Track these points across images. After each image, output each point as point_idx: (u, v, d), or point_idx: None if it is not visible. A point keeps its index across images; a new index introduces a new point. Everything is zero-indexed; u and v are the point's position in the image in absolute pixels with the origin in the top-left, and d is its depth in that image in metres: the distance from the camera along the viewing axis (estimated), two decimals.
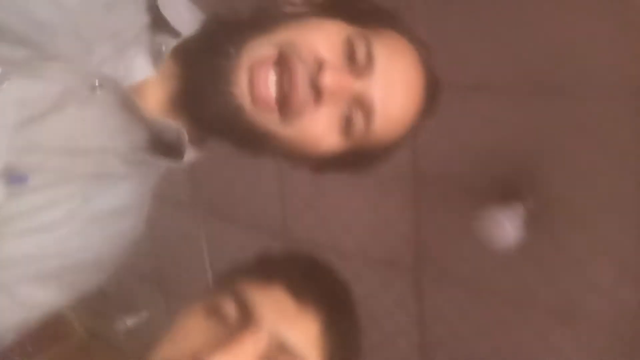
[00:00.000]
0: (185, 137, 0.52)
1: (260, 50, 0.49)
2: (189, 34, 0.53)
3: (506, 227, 0.88)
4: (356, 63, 0.52)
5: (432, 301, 1.23)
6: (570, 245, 0.97)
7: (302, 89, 0.48)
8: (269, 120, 0.50)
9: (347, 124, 0.53)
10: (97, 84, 0.48)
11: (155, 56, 0.52)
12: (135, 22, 0.53)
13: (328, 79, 0.48)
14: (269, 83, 0.48)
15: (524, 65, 0.93)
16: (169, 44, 0.52)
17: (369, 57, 0.52)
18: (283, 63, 0.48)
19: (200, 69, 0.50)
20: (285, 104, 0.49)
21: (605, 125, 0.87)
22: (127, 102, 0.49)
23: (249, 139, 0.52)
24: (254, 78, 0.48)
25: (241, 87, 0.48)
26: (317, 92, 0.49)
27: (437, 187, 1.12)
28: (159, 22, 0.53)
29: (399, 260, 1.27)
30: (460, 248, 1.12)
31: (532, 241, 0.99)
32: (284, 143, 0.52)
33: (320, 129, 0.52)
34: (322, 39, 0.51)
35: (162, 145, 0.54)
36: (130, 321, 2.34)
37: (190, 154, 0.54)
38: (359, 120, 0.53)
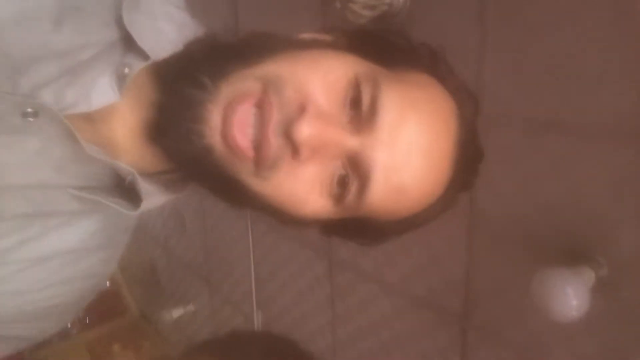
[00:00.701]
0: (138, 181, 0.45)
1: (241, 84, 0.40)
2: (166, 56, 0.46)
3: (569, 296, 0.74)
4: (358, 112, 0.41)
5: (476, 357, 1.10)
6: None
7: (273, 139, 0.39)
8: (242, 169, 0.41)
9: (339, 187, 0.43)
10: (29, 111, 0.40)
11: (120, 80, 0.44)
12: (95, 40, 0.46)
13: (305, 131, 0.38)
14: (246, 125, 0.39)
15: (613, 106, 0.78)
16: (134, 66, 0.44)
17: (373, 106, 0.41)
18: (260, 104, 0.39)
19: (171, 98, 0.42)
20: (257, 154, 0.40)
21: None
22: (67, 133, 0.42)
23: (222, 186, 0.44)
24: (227, 117, 0.39)
25: (212, 126, 0.40)
26: (293, 147, 0.39)
27: (494, 231, 0.99)
28: (129, 38, 0.46)
29: (446, 305, 1.15)
30: (513, 305, 0.98)
31: (601, 314, 0.84)
32: (259, 198, 0.43)
33: (300, 188, 0.42)
34: (319, 78, 0.41)
35: (121, 185, 0.47)
36: (176, 313, 2.39)
37: (156, 198, 0.47)
38: (353, 184, 0.42)
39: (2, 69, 0.41)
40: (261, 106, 0.39)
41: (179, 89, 0.41)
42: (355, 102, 0.42)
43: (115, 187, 0.47)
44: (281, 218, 0.47)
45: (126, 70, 0.44)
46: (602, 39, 0.77)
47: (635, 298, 0.81)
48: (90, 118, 0.44)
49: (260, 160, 0.40)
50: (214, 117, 0.40)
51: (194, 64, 0.43)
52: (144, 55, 0.45)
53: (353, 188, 0.43)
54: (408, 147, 0.42)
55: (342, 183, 0.43)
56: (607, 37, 0.77)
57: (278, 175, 0.41)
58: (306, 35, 0.48)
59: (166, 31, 0.48)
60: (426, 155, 0.43)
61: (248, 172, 0.41)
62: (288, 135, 0.39)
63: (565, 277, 0.74)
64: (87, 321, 3.20)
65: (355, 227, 0.48)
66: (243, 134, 0.40)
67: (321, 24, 1.17)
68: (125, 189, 0.47)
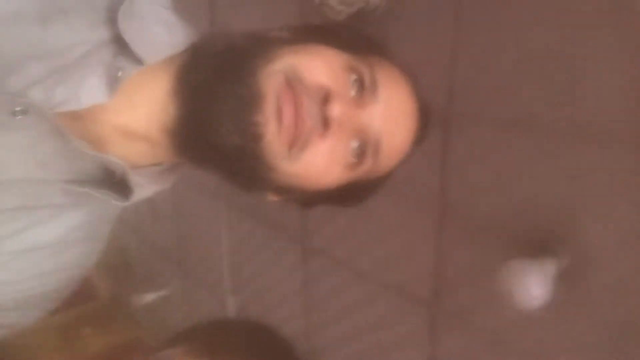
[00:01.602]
0: (129, 174, 0.47)
1: (273, 79, 0.45)
2: (159, 59, 0.47)
3: (532, 285, 0.78)
4: (361, 92, 0.48)
5: (445, 343, 1.15)
6: (603, 312, 0.86)
7: (309, 118, 0.45)
8: (279, 154, 0.46)
9: (354, 158, 0.49)
10: (17, 109, 0.42)
11: (111, 82, 0.45)
12: (83, 39, 0.47)
13: (337, 110, 0.45)
14: (293, 112, 0.45)
15: (574, 107, 0.82)
16: (127, 70, 0.46)
17: (374, 86, 0.49)
18: (290, 91, 0.45)
19: (214, 96, 0.45)
20: (293, 135, 0.45)
21: None
22: (56, 130, 0.43)
23: (250, 171, 0.48)
24: (283, 108, 0.44)
25: (266, 115, 0.44)
26: (325, 123, 0.46)
27: (463, 222, 1.03)
28: (122, 41, 0.47)
29: (415, 292, 1.19)
30: (481, 293, 1.03)
31: (561, 302, 0.88)
32: (285, 178, 0.48)
33: (324, 163, 0.48)
34: (324, 66, 0.47)
35: (111, 179, 0.48)
36: (148, 297, 2.38)
37: (145, 190, 0.49)
38: (368, 154, 0.50)
39: None
40: (292, 93, 0.45)
41: (223, 87, 0.45)
42: (360, 83, 0.48)
43: (103, 181, 0.48)
44: (295, 194, 0.52)
45: (119, 73, 0.45)
46: (571, 40, 0.80)
47: (594, 286, 0.86)
48: (78, 115, 0.45)
49: (296, 140, 0.45)
50: (268, 108, 0.44)
51: (222, 65, 0.47)
52: (136, 59, 0.46)
53: (368, 155, 0.50)
54: (399, 114, 0.51)
55: (359, 153, 0.49)
56: (576, 38, 0.80)
57: (306, 154, 0.46)
58: (278, 33, 0.52)
59: (157, 33, 0.49)
60: (408, 118, 0.53)
61: (282, 156, 0.46)
62: (322, 114, 0.45)
63: (529, 268, 0.78)
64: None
65: (346, 191, 0.53)
66: (292, 121, 0.45)
67: (297, 18, 1.17)
68: (113, 183, 0.48)
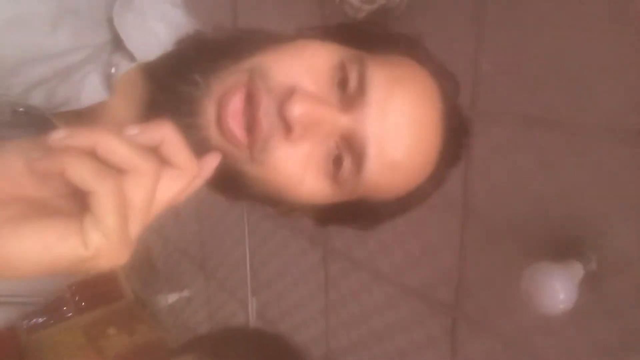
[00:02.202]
0: None
1: (230, 78, 0.41)
2: (153, 57, 0.46)
3: (557, 291, 0.75)
4: (347, 92, 0.42)
5: (466, 348, 1.12)
6: (631, 321, 0.82)
7: (264, 120, 0.40)
8: (238, 158, 0.42)
9: (334, 166, 0.43)
10: (20, 110, 0.43)
11: (107, 79, 0.45)
12: (89, 42, 0.46)
13: (296, 109, 0.39)
14: (238, 114, 0.40)
15: (600, 106, 0.79)
16: (121, 66, 0.45)
17: (361, 85, 0.42)
18: (249, 91, 0.40)
19: (164, 96, 0.42)
20: (250, 138, 0.41)
21: None
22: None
23: (219, 178, 0.43)
24: (221, 109, 0.40)
25: (208, 118, 0.41)
26: (286, 125, 0.40)
27: (486, 225, 1.00)
28: (120, 40, 0.46)
29: (437, 295, 1.17)
30: (503, 297, 1.00)
31: (588, 307, 0.85)
32: (257, 185, 0.43)
33: (295, 169, 0.42)
34: (304, 63, 0.42)
35: None
36: (171, 298, 2.40)
37: None
38: (347, 162, 0.43)
39: None
40: (250, 94, 0.40)
41: (171, 88, 0.42)
42: (343, 83, 0.42)
43: None
44: (278, 205, 0.47)
45: (112, 70, 0.45)
46: (597, 38, 0.78)
47: (622, 292, 0.83)
48: (80, 116, 0.45)
49: (253, 143, 0.41)
50: (209, 110, 0.41)
51: (184, 62, 0.44)
52: (130, 55, 0.45)
53: (349, 166, 0.43)
54: (398, 120, 0.42)
55: (337, 162, 0.43)
56: (603, 36, 0.78)
57: (273, 157, 0.41)
58: (277, 31, 0.48)
59: (156, 31, 0.47)
60: (415, 128, 0.43)
61: (244, 159, 0.42)
62: (280, 114, 0.40)
63: (554, 272, 0.76)
64: (83, 304, 3.22)
65: (352, 210, 0.47)
66: (237, 123, 0.40)
67: (319, 17, 1.17)
68: None
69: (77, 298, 3.25)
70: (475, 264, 1.06)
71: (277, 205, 0.47)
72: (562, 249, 0.86)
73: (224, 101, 0.40)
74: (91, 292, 3.23)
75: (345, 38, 0.45)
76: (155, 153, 0.33)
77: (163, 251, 2.54)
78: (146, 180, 0.31)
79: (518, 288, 0.82)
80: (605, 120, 0.79)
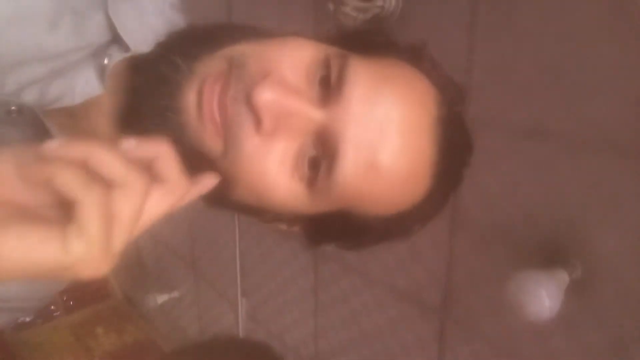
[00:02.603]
0: None
1: (210, 64, 0.40)
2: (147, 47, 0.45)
3: (542, 298, 0.77)
4: (327, 88, 0.39)
5: (454, 352, 1.14)
6: (615, 328, 0.84)
7: (230, 105, 0.38)
8: (212, 148, 0.40)
9: (309, 168, 0.40)
10: (12, 108, 0.42)
11: (101, 71, 0.44)
12: (89, 42, 0.45)
13: (264, 95, 0.36)
14: (215, 102, 0.38)
15: (588, 117, 0.81)
16: (114, 57, 0.44)
17: (340, 79, 0.38)
18: (221, 76, 0.39)
19: (145, 80, 0.41)
20: (223, 129, 0.39)
21: None
22: (46, 131, 0.42)
23: (194, 167, 0.40)
24: (202, 93, 0.38)
25: (187, 103, 0.39)
26: (255, 114, 0.38)
27: (475, 231, 1.02)
28: (117, 34, 0.45)
29: (425, 299, 1.18)
30: (491, 302, 1.02)
31: (573, 314, 0.87)
32: (235, 188, 0.41)
33: (269, 167, 0.39)
34: (286, 54, 0.40)
35: None
36: (161, 298, 2.40)
37: None
38: (323, 164, 0.39)
39: None
40: (222, 79, 0.39)
41: (151, 70, 0.41)
42: (324, 80, 0.40)
43: None
44: (258, 213, 0.45)
45: (105, 60, 0.44)
46: (590, 49, 0.80)
47: (607, 299, 0.85)
48: (72, 113, 0.45)
49: (225, 133, 0.39)
50: (189, 95, 0.39)
51: (167, 49, 0.43)
52: (126, 47, 0.45)
53: (323, 167, 0.39)
54: (382, 120, 0.38)
55: (313, 164, 0.40)
56: (595, 48, 0.79)
57: (244, 151, 0.39)
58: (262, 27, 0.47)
59: (154, 26, 0.47)
60: (402, 131, 0.39)
61: (217, 150, 0.40)
62: (248, 99, 0.37)
63: (540, 280, 0.77)
64: (71, 304, 3.20)
65: (338, 224, 0.44)
66: (212, 111, 0.39)
67: (313, 26, 1.18)
68: None
69: (65, 297, 3.22)
70: (463, 268, 1.08)
71: (256, 213, 0.45)
72: (548, 256, 0.88)
73: (202, 87, 0.39)
74: (79, 291, 3.20)
75: (338, 39, 0.44)
76: (148, 167, 0.33)
77: (153, 251, 2.53)
78: (135, 196, 0.31)
79: (505, 294, 0.83)
80: (593, 132, 0.81)
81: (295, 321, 1.68)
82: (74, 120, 0.45)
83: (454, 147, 0.42)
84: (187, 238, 2.23)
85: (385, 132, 0.39)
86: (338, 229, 0.45)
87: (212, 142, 0.39)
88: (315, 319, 1.57)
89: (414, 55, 0.44)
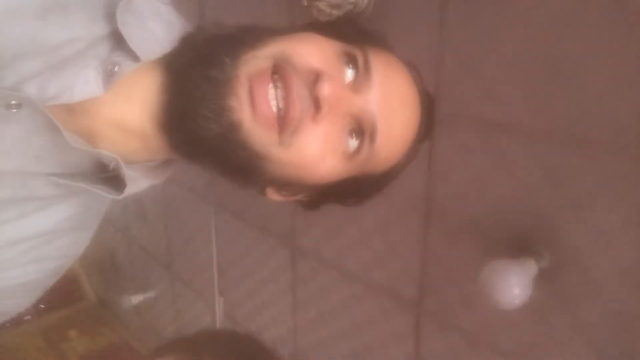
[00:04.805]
0: (123, 168, 0.46)
1: (256, 62, 0.44)
2: (156, 56, 0.47)
3: (512, 285, 0.80)
4: (354, 75, 0.48)
5: (429, 343, 1.16)
6: (582, 313, 0.88)
7: (299, 101, 0.44)
8: (266, 141, 0.44)
9: (350, 144, 0.48)
10: (12, 102, 0.42)
11: (107, 76, 0.45)
12: (81, 35, 0.46)
13: (326, 89, 0.44)
14: (270, 96, 0.43)
15: (555, 111, 0.84)
16: (124, 66, 0.45)
17: (367, 69, 0.48)
18: (279, 75, 0.44)
19: (191, 81, 0.44)
20: (283, 120, 0.44)
21: (630, 189, 0.77)
22: (49, 124, 0.43)
23: (241, 162, 0.46)
24: (254, 91, 0.43)
25: (240, 100, 0.43)
26: (316, 105, 0.44)
27: (448, 224, 1.05)
28: (119, 37, 0.47)
29: (402, 292, 1.20)
30: (465, 294, 1.04)
31: (542, 301, 0.90)
32: (280, 168, 0.47)
33: (318, 148, 0.46)
34: (316, 50, 0.47)
35: (103, 172, 0.48)
36: (136, 299, 2.37)
37: (138, 184, 0.48)
38: (362, 139, 0.48)
39: None
40: (281, 76, 0.44)
41: (200, 71, 0.44)
42: (348, 66, 0.48)
43: (95, 174, 0.48)
44: (293, 186, 0.51)
45: (116, 68, 0.45)
46: (558, 45, 0.83)
47: (573, 287, 0.88)
48: (71, 109, 0.45)
49: (285, 125, 0.44)
50: (241, 92, 0.43)
51: (208, 48, 0.46)
52: (133, 55, 0.46)
53: (365, 142, 0.48)
54: (396, 100, 0.49)
55: (357, 137, 0.48)
56: (558, 43, 0.82)
57: (299, 139, 0.45)
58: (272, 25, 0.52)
59: (154, 31, 0.49)
60: (408, 105, 0.51)
61: (271, 143, 0.45)
62: (312, 94, 0.44)
63: (509, 269, 0.80)
64: (42, 307, 3.13)
65: (350, 185, 0.52)
66: (269, 106, 0.43)
67: (287, 20, 1.19)
68: (105, 176, 0.48)
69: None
70: (437, 261, 1.10)
71: (290, 186, 0.51)
72: (518, 246, 0.91)
73: (256, 86, 0.43)
74: (51, 293, 3.13)
75: (332, 33, 0.50)
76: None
77: (128, 252, 2.50)
78: None
79: (477, 284, 0.86)
80: (555, 126, 0.84)
81: (274, 319, 1.69)
82: (73, 117, 0.45)
83: (428, 112, 0.55)
84: (162, 237, 2.21)
85: (399, 106, 0.50)
86: (347, 190, 0.53)
87: (266, 135, 0.44)
88: (294, 316, 1.58)
89: (385, 42, 0.54)
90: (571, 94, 0.81)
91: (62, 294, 3.07)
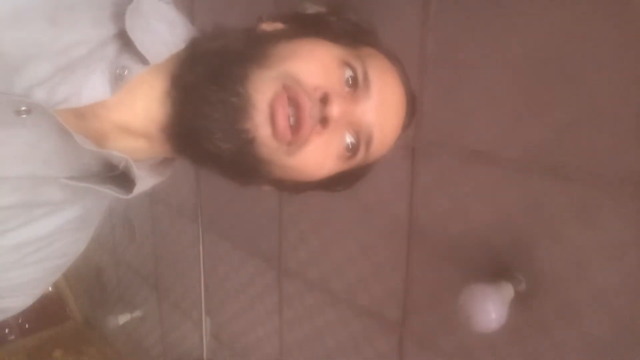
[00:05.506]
0: (133, 168, 0.48)
1: (268, 86, 0.47)
2: (163, 58, 0.49)
3: (488, 310, 0.82)
4: (355, 87, 0.51)
5: None
6: (559, 337, 0.90)
7: (310, 122, 0.48)
8: (275, 151, 0.48)
9: (348, 151, 0.53)
10: (22, 108, 0.42)
11: (115, 79, 0.46)
12: (89, 37, 0.47)
13: (336, 111, 0.48)
14: (287, 116, 0.47)
15: (529, 141, 0.88)
16: (133, 69, 0.46)
17: (366, 81, 0.52)
18: (290, 95, 0.47)
19: (205, 103, 0.47)
20: (294, 134, 0.48)
21: (605, 217, 0.81)
22: (59, 128, 0.43)
23: (247, 169, 0.50)
24: (275, 115, 0.46)
25: (257, 122, 0.47)
26: (323, 122, 0.49)
27: (429, 248, 1.08)
28: (126, 38, 0.47)
29: (386, 314, 1.22)
30: (446, 316, 1.07)
31: (521, 325, 0.93)
32: (283, 172, 0.51)
33: (320, 157, 0.51)
34: (319, 67, 0.50)
35: (113, 173, 0.49)
36: (122, 319, 2.36)
37: (146, 182, 0.50)
38: (360, 146, 0.53)
39: None
40: (292, 97, 0.47)
41: (214, 94, 0.47)
42: (349, 78, 0.51)
43: (103, 176, 0.49)
44: (292, 185, 0.55)
45: (125, 72, 0.46)
46: (530, 76, 0.87)
47: (550, 311, 0.91)
48: (79, 112, 0.46)
49: (297, 139, 0.48)
50: (256, 116, 0.46)
51: (214, 68, 0.48)
52: (141, 57, 0.47)
53: (361, 148, 0.53)
54: (389, 106, 0.54)
55: (353, 146, 0.53)
56: (534, 74, 0.87)
57: (305, 149, 0.49)
58: (269, 25, 0.54)
59: (160, 31, 0.50)
60: (398, 109, 0.56)
61: (281, 152, 0.48)
62: (323, 113, 0.48)
63: (486, 293, 0.83)
64: (27, 327, 3.09)
65: (336, 178, 0.56)
66: (287, 125, 0.47)
67: (274, 9, 1.20)
68: (112, 177, 0.50)
69: (20, 320, 3.11)
70: (420, 283, 1.13)
71: (289, 185, 0.55)
72: (496, 270, 0.94)
73: (275, 108, 0.46)
74: (36, 313, 3.10)
75: (325, 33, 0.53)
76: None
77: (115, 271, 2.49)
78: None
79: (456, 308, 0.88)
80: (529, 155, 0.88)
81: (260, 340, 1.69)
82: (81, 120, 0.46)
83: (411, 107, 0.59)
84: (150, 256, 2.22)
85: (391, 112, 0.55)
86: (336, 180, 0.57)
87: (277, 148, 0.48)
88: (280, 337, 1.59)
89: (375, 39, 0.58)
90: (546, 123, 0.85)
91: (47, 314, 3.04)
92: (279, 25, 0.55)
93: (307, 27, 0.54)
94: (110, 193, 0.48)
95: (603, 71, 0.78)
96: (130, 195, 0.49)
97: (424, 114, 1.01)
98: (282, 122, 0.46)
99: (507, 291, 0.88)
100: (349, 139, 0.52)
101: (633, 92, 0.76)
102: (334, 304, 1.36)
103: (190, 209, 1.87)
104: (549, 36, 0.83)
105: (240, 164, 0.49)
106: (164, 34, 0.50)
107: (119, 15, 0.48)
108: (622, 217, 0.79)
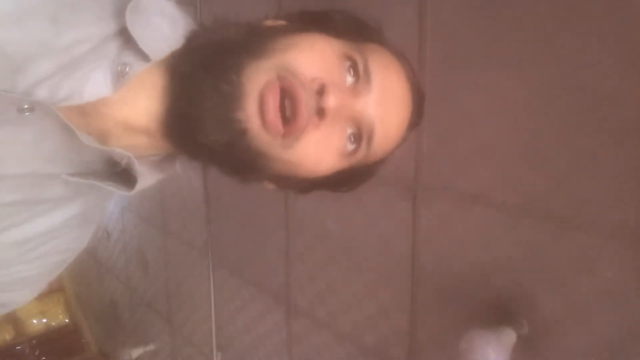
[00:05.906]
0: (135, 164, 0.47)
1: (262, 76, 0.46)
2: (165, 55, 0.48)
3: (489, 356, 0.82)
4: (356, 80, 0.50)
5: None
6: None
7: (306, 113, 0.46)
8: (271, 144, 0.46)
9: (349, 146, 0.51)
10: (25, 107, 0.42)
11: (117, 76, 0.46)
12: (90, 34, 0.47)
13: (332, 101, 0.46)
14: (278, 108, 0.45)
15: (532, 188, 0.89)
16: (134, 66, 0.46)
17: (367, 74, 0.50)
18: (284, 87, 0.45)
19: (199, 91, 0.45)
20: (289, 127, 0.46)
21: (604, 264, 0.81)
22: (62, 125, 0.43)
23: (244, 162, 0.48)
24: (265, 104, 0.45)
25: (248, 112, 0.45)
26: (320, 114, 0.47)
27: (432, 291, 1.08)
28: (127, 34, 0.47)
29: (392, 354, 1.22)
30: (452, 356, 1.06)
31: None
32: (282, 166, 0.49)
33: (319, 151, 0.49)
34: (318, 58, 0.48)
35: (115, 170, 0.50)
36: (136, 352, 2.37)
37: (148, 179, 0.50)
38: (363, 141, 0.51)
39: (0, 67, 0.42)
40: (288, 88, 0.45)
41: (207, 83, 0.45)
42: (350, 72, 0.50)
43: (105, 173, 0.49)
44: (291, 181, 0.53)
45: (127, 69, 0.46)
46: (526, 123, 0.89)
47: (551, 355, 0.90)
48: (81, 110, 0.46)
49: (291, 132, 0.46)
50: (248, 106, 0.45)
51: (210, 57, 0.47)
52: (142, 54, 0.47)
53: (363, 143, 0.51)
54: (392, 100, 0.52)
55: (354, 141, 0.51)
56: (531, 122, 0.88)
57: (302, 142, 0.47)
58: (273, 22, 0.53)
59: (161, 28, 0.49)
60: (402, 105, 0.53)
61: (276, 145, 0.46)
62: (319, 105, 0.46)
63: (486, 339, 0.83)
64: (44, 359, 3.12)
65: (341, 177, 0.54)
66: (277, 117, 0.45)
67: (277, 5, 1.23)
68: (115, 174, 0.49)
69: (37, 352, 3.14)
70: (425, 323, 1.13)
71: (289, 182, 0.53)
72: (499, 314, 0.94)
73: (265, 97, 0.45)
74: (52, 345, 3.13)
75: (328, 29, 0.51)
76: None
77: (129, 304, 2.52)
78: None
79: (458, 352, 0.88)
80: (529, 201, 0.89)
81: None
82: (84, 117, 0.46)
83: (419, 105, 0.56)
84: (163, 291, 2.24)
85: (394, 107, 0.52)
86: (340, 179, 0.55)
87: (272, 141, 0.46)
88: None
89: (380, 35, 0.56)
90: (542, 170, 0.87)
91: (63, 346, 3.06)
92: (281, 22, 0.54)
93: (310, 23, 0.52)
94: (112, 189, 0.48)
95: (602, 120, 0.79)
96: (133, 192, 0.49)
97: (422, 158, 1.03)
98: (271, 112, 0.44)
99: (509, 336, 0.87)
100: (349, 132, 0.50)
101: (632, 141, 0.77)
102: (340, 342, 1.36)
103: (201, 245, 1.90)
104: (549, 83, 0.85)
105: (236, 157, 0.47)
106: (165, 30, 0.50)
107: (120, 12, 0.48)
108: (621, 264, 0.79)
